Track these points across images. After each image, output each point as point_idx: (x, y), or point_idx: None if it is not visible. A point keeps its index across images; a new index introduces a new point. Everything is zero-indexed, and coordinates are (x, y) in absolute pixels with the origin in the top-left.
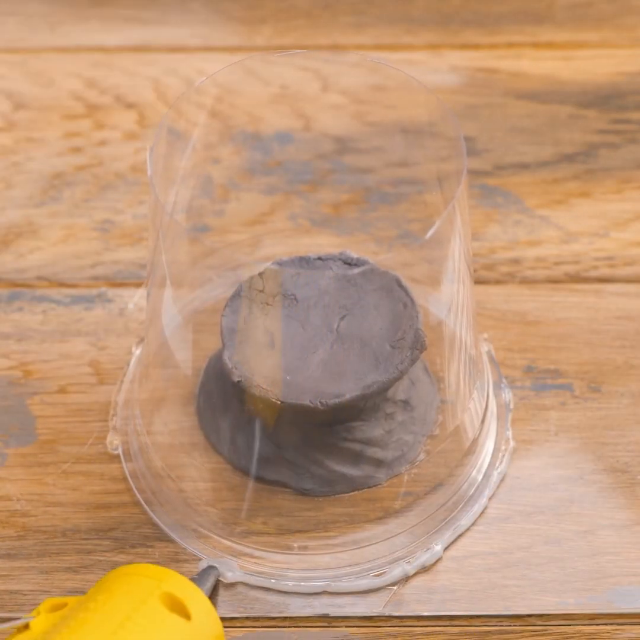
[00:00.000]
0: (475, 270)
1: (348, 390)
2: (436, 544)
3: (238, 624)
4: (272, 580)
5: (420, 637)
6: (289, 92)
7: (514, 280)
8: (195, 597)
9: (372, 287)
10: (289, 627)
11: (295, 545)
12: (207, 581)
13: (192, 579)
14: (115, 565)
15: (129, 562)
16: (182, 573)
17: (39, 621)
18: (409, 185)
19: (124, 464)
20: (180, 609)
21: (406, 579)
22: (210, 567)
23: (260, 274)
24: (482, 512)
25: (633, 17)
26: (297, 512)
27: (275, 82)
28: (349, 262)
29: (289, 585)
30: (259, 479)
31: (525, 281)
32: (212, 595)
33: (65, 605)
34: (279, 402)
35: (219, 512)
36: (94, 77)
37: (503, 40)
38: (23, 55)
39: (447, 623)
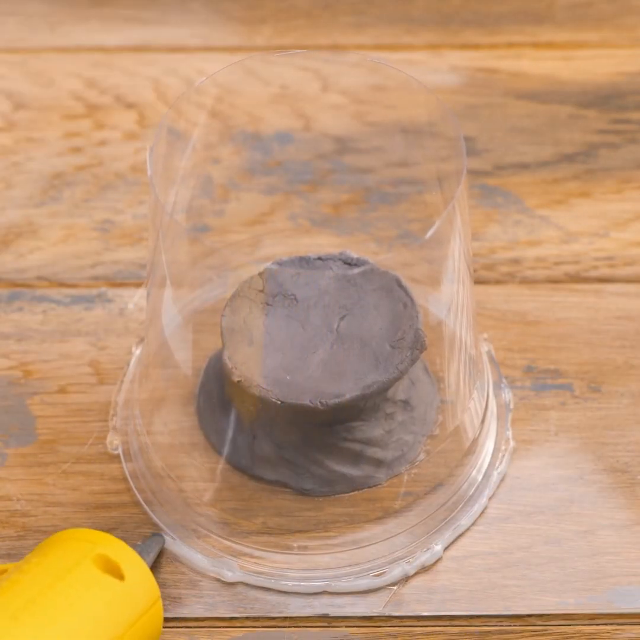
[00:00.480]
0: (475, 270)
1: (348, 390)
2: (436, 544)
3: (238, 624)
4: (272, 580)
5: (420, 637)
6: (289, 92)
7: (514, 280)
8: (130, 559)
9: (372, 287)
10: (289, 627)
11: (295, 545)
12: (150, 548)
13: (136, 546)
14: None
15: None
16: (181, 572)
17: None
18: (409, 185)
19: (124, 464)
20: (114, 571)
21: (406, 579)
22: (156, 535)
23: (260, 274)
24: (482, 512)
25: (633, 17)
26: (297, 512)
27: (275, 82)
28: (349, 262)
29: (289, 585)
30: (259, 479)
31: (525, 281)
32: (156, 563)
33: (4, 571)
34: (279, 402)
35: (219, 512)
36: (94, 77)
37: (503, 40)
38: (23, 55)
39: (447, 623)
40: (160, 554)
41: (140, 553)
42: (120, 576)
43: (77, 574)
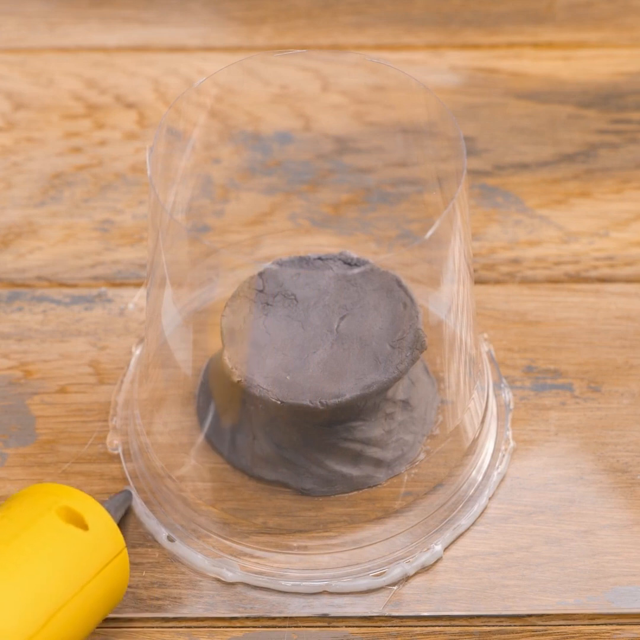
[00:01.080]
0: (475, 270)
1: (348, 390)
2: (436, 544)
3: (238, 624)
4: (272, 580)
5: (420, 637)
6: (289, 92)
7: (514, 280)
8: (93, 510)
9: (372, 287)
10: (288, 627)
11: (295, 545)
12: (117, 503)
13: (103, 502)
14: None
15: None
16: (181, 572)
17: None
18: (409, 185)
19: (123, 464)
20: (78, 521)
21: (406, 579)
22: (123, 491)
23: (260, 274)
24: (482, 512)
25: (633, 17)
26: (297, 512)
27: (275, 82)
28: (349, 262)
29: (289, 585)
30: (259, 479)
31: (525, 281)
32: (124, 519)
33: None
34: (278, 402)
35: (219, 512)
36: (94, 77)
37: (503, 40)
38: (23, 55)
39: (447, 623)
40: (128, 510)
41: (107, 508)
42: (84, 526)
43: (40, 524)
